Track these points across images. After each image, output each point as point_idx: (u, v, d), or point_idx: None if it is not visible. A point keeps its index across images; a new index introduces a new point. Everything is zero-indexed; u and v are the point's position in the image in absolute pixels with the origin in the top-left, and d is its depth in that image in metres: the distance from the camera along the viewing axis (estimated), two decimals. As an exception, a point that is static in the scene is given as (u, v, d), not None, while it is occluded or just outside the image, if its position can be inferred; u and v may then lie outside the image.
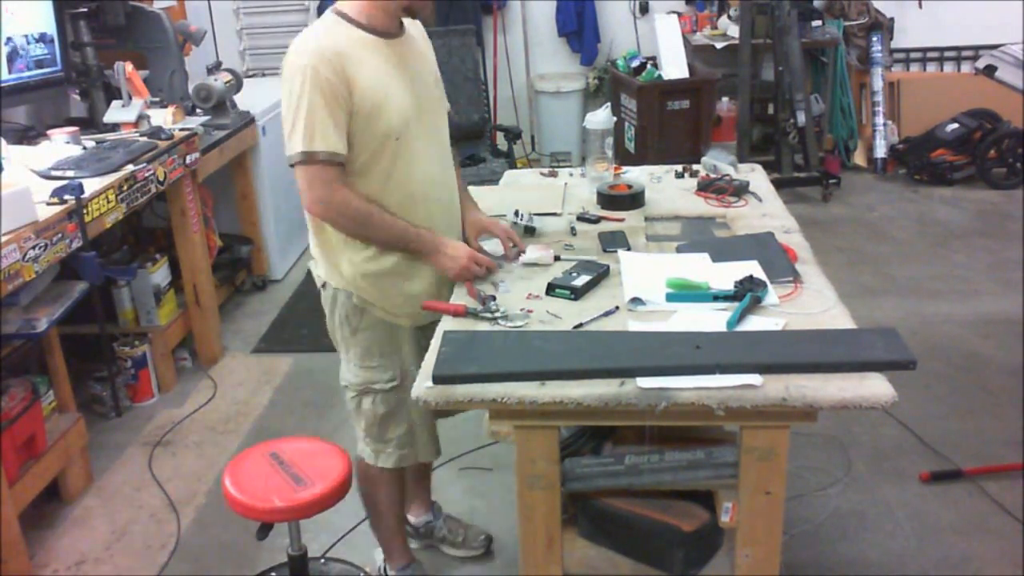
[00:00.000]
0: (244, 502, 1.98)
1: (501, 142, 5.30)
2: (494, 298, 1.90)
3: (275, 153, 4.50)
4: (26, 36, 3.35)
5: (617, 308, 1.87)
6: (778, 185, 2.85)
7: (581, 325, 1.81)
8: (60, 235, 2.66)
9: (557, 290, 1.94)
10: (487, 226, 2.16)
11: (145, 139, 3.38)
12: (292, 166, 1.89)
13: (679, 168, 2.79)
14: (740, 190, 2.54)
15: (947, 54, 6.00)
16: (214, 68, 4.13)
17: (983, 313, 3.88)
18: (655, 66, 5.42)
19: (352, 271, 2.01)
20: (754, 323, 1.77)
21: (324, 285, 2.08)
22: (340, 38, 1.87)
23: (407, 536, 2.48)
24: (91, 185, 2.88)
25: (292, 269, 4.78)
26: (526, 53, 6.17)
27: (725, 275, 1.92)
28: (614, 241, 2.22)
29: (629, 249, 2.18)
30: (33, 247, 2.52)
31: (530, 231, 2.31)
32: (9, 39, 3.25)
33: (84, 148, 3.26)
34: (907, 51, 6.02)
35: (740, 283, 1.87)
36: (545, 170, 2.91)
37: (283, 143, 1.90)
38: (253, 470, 2.06)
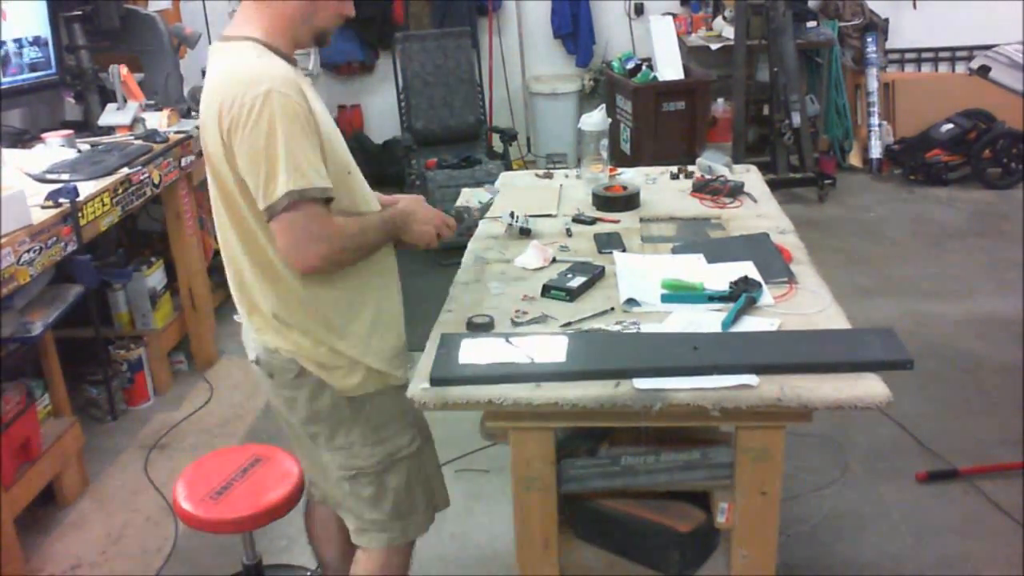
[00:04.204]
0: (199, 516, 1.99)
1: (497, 144, 5.30)
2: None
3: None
4: (20, 39, 3.34)
5: (612, 309, 1.87)
6: (773, 186, 2.85)
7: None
8: (55, 238, 2.65)
9: (552, 291, 1.94)
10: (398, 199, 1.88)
11: (140, 142, 3.38)
12: (271, 219, 1.55)
13: (674, 169, 2.79)
14: (735, 191, 2.55)
15: (942, 55, 6.02)
16: (209, 71, 4.12)
17: (979, 313, 3.89)
18: (650, 67, 5.43)
19: (360, 346, 1.72)
20: (749, 324, 1.78)
21: (300, 373, 1.72)
22: (280, 66, 1.59)
23: None
24: (86, 188, 2.87)
25: (288, 272, 4.76)
26: (521, 55, 6.17)
27: (720, 276, 1.92)
28: (609, 242, 2.23)
29: (624, 250, 2.18)
30: (28, 251, 2.51)
31: (525, 233, 2.32)
32: (2, 43, 3.24)
33: (79, 151, 3.26)
34: (902, 52, 6.04)
35: (735, 284, 1.87)
36: (541, 172, 2.91)
37: (256, 194, 1.56)
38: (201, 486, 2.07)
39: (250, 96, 1.51)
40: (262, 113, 1.50)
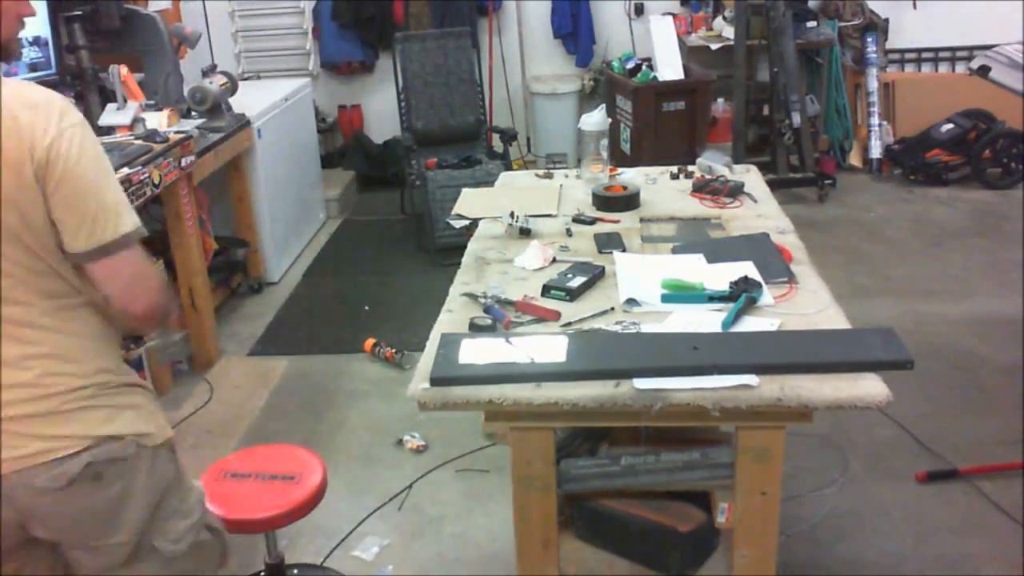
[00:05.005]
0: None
1: (497, 144, 5.30)
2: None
3: (271, 156, 4.49)
4: (20, 39, 3.34)
5: (612, 309, 1.87)
6: (773, 186, 2.85)
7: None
8: (55, 238, 2.65)
9: (552, 291, 1.94)
10: None
11: (140, 142, 3.37)
12: (113, 253, 1.42)
13: (674, 169, 2.79)
14: (735, 191, 2.55)
15: (942, 54, 6.02)
16: (209, 71, 4.13)
17: (979, 313, 3.88)
18: (650, 67, 5.43)
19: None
20: (749, 324, 1.78)
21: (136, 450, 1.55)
22: None
23: None
24: (86, 188, 2.87)
25: (288, 272, 4.77)
26: (521, 55, 6.17)
27: (720, 276, 1.92)
28: (609, 242, 2.23)
29: (624, 250, 2.18)
30: (28, 250, 2.51)
31: (525, 233, 2.32)
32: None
33: (79, 151, 3.25)
34: (902, 51, 6.03)
35: (735, 284, 1.87)
36: (541, 172, 2.91)
37: (96, 219, 1.41)
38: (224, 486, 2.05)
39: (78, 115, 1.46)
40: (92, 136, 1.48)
